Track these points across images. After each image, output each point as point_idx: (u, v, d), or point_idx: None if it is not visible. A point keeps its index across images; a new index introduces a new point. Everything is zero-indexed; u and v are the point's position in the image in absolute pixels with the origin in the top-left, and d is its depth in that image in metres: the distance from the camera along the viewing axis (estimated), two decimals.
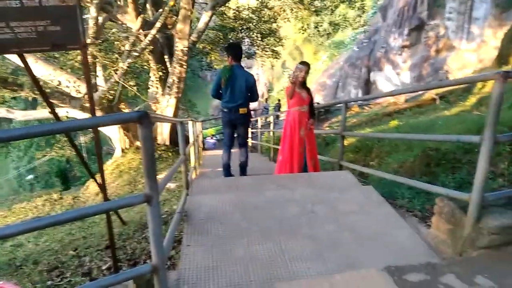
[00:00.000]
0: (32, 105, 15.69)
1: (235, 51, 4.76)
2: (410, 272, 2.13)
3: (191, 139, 6.05)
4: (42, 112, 9.53)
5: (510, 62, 10.98)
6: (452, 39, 18.43)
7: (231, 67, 4.65)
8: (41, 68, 8.76)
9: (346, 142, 6.07)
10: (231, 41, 15.48)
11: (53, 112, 2.59)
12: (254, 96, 4.92)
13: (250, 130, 12.28)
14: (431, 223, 2.85)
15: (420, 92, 13.30)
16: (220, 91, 4.78)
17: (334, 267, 2.49)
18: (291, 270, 2.45)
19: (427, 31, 19.53)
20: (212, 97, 5.03)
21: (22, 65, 2.39)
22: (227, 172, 5.21)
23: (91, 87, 2.37)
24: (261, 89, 39.77)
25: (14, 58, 8.19)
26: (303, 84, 5.03)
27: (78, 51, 7.54)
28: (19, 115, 10.41)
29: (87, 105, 9.28)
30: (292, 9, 15.07)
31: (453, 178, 4.05)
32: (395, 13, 21.88)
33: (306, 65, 4.98)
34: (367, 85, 23.28)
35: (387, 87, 21.48)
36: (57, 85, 8.47)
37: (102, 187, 2.72)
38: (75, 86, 8.88)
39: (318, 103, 22.27)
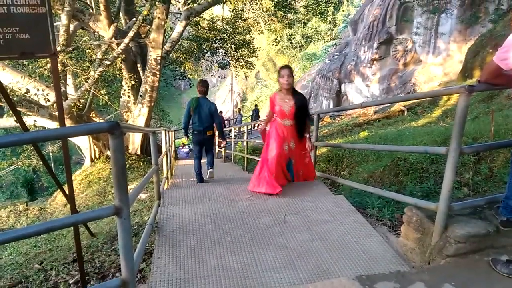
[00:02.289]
0: None
1: (203, 87, 5.85)
2: (380, 281, 2.16)
3: (164, 149, 5.97)
4: (9, 121, 9.19)
5: (474, 76, 11.49)
6: (419, 53, 19.12)
7: (197, 99, 5.76)
8: (8, 76, 8.49)
9: (318, 152, 6.16)
10: (205, 51, 15.53)
11: (20, 121, 2.51)
12: (216, 120, 5.92)
13: (223, 141, 12.32)
14: (400, 231, 2.92)
15: (389, 104, 13.68)
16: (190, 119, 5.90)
17: (306, 276, 2.50)
18: (264, 281, 2.45)
19: (396, 45, 20.17)
20: (183, 125, 5.99)
21: None
22: (200, 178, 6.07)
23: (61, 96, 2.31)
24: (235, 99, 39.85)
25: None
26: (290, 91, 4.26)
27: (48, 59, 7.35)
28: None
29: (56, 113, 9.03)
30: (265, 21, 15.29)
31: (421, 188, 4.18)
32: (365, 27, 22.52)
33: (286, 68, 4.25)
34: (338, 97, 23.73)
35: (357, 98, 21.97)
36: (25, 93, 8.21)
37: (70, 198, 2.65)
38: (44, 94, 8.63)
39: None
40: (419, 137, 5.99)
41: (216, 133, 6.39)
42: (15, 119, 7.21)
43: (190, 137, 6.28)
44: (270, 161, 4.23)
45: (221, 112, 17.75)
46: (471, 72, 12.05)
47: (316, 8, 13.72)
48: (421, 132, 6.72)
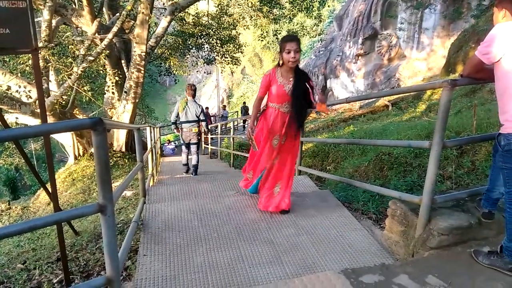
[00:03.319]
0: None
1: (191, 91, 6.72)
2: (365, 274, 2.19)
3: (149, 145, 5.93)
4: None
5: (457, 70, 11.66)
6: (404, 48, 19.33)
7: (186, 101, 6.69)
8: None
9: (304, 148, 6.18)
10: (190, 46, 15.42)
11: (1, 118, 2.45)
12: (203, 119, 6.81)
13: (209, 136, 12.33)
14: (385, 225, 2.96)
15: (374, 99, 13.82)
16: (178, 117, 6.81)
17: (293, 271, 2.52)
18: (251, 276, 2.45)
19: (380, 40, 20.35)
20: (172, 121, 6.94)
21: None
22: (187, 168, 7.15)
23: (43, 92, 2.27)
24: (221, 95, 39.72)
25: None
26: (293, 70, 3.29)
27: (29, 54, 7.21)
28: None
29: (38, 110, 8.86)
30: (251, 17, 15.23)
31: (405, 181, 4.23)
32: (350, 22, 22.66)
33: (294, 41, 3.16)
34: (324, 92, 23.89)
35: (342, 94, 22.13)
36: (6, 89, 8.03)
37: (53, 196, 2.61)
38: (26, 91, 8.45)
39: None
40: (403, 132, 6.06)
41: (202, 130, 7.06)
42: None
43: (179, 134, 7.13)
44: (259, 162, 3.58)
45: (207, 108, 17.70)
46: (454, 67, 12.23)
47: (302, 4, 13.71)
48: (405, 127, 6.80)
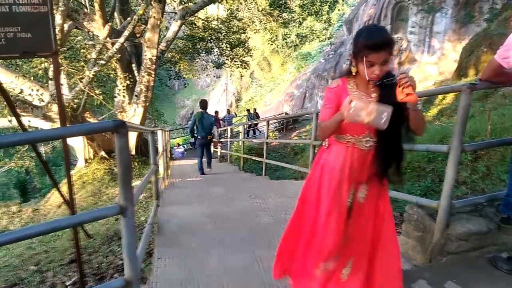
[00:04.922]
0: None
1: (203, 104, 8.09)
2: None
3: (160, 149, 5.96)
4: (3, 121, 9.08)
5: (468, 75, 11.54)
6: (414, 52, 19.19)
7: (201, 113, 7.92)
8: (2, 76, 8.39)
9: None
10: (200, 50, 15.51)
11: (19, 121, 2.48)
12: (214, 128, 8.20)
13: (219, 140, 12.41)
14: (401, 230, 2.92)
15: None
16: (195, 127, 8.00)
17: None
18: (265, 280, 2.44)
19: None
20: (190, 132, 8.38)
21: None
22: (201, 170, 8.21)
23: (61, 95, 2.29)
24: (229, 98, 39.81)
25: None
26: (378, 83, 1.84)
27: (43, 58, 7.25)
28: None
29: (50, 114, 8.95)
30: (261, 21, 15.27)
31: (419, 186, 4.19)
32: (360, 26, 22.60)
33: (382, 49, 1.72)
34: None
35: None
36: (19, 93, 8.14)
37: (70, 199, 2.62)
38: (38, 95, 8.54)
39: (286, 113, 22.44)
40: (416, 136, 5.99)
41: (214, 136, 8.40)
42: (9, 119, 7.17)
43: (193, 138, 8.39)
44: (318, 234, 1.99)
45: (216, 112, 17.66)
46: (466, 71, 12.10)
47: (311, 8, 13.72)
48: None
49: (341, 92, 1.90)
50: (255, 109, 23.67)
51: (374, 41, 1.70)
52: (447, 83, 14.20)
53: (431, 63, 18.29)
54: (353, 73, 1.91)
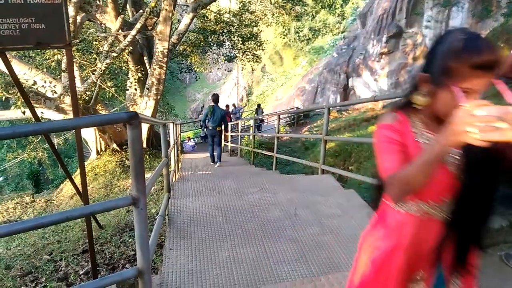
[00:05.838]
0: (3, 105, 15.18)
1: (215, 98, 8.56)
2: None
3: (171, 142, 5.98)
4: (16, 113, 9.21)
5: None
6: (429, 47, 18.93)
7: (213, 106, 8.42)
8: (15, 68, 8.48)
9: (326, 147, 6.13)
10: (211, 43, 15.49)
11: (33, 112, 2.51)
12: (225, 121, 8.93)
13: (229, 134, 12.41)
14: None
15: (398, 99, 13.57)
16: (207, 119, 8.50)
17: (318, 269, 2.49)
18: (275, 273, 2.44)
19: (405, 38, 19.94)
20: (202, 123, 8.95)
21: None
22: (212, 158, 8.76)
23: (75, 86, 2.30)
24: (240, 92, 39.77)
25: None
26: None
27: (56, 50, 7.29)
28: None
29: (62, 106, 9.05)
30: (273, 14, 15.17)
31: None
32: (374, 20, 22.29)
33: (492, 68, 0.97)
34: (346, 91, 23.57)
35: (365, 93, 21.81)
36: (32, 84, 8.24)
37: (83, 190, 2.65)
38: (51, 86, 8.63)
39: (298, 108, 22.34)
40: None
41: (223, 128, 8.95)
42: (23, 110, 7.26)
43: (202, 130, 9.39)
44: None
45: (227, 106, 17.63)
46: None
47: (325, 1, 13.59)
48: None
49: (406, 134, 1.19)
50: (259, 105, 23.51)
51: (486, 57, 0.97)
52: None
53: None
54: (419, 106, 1.20)
